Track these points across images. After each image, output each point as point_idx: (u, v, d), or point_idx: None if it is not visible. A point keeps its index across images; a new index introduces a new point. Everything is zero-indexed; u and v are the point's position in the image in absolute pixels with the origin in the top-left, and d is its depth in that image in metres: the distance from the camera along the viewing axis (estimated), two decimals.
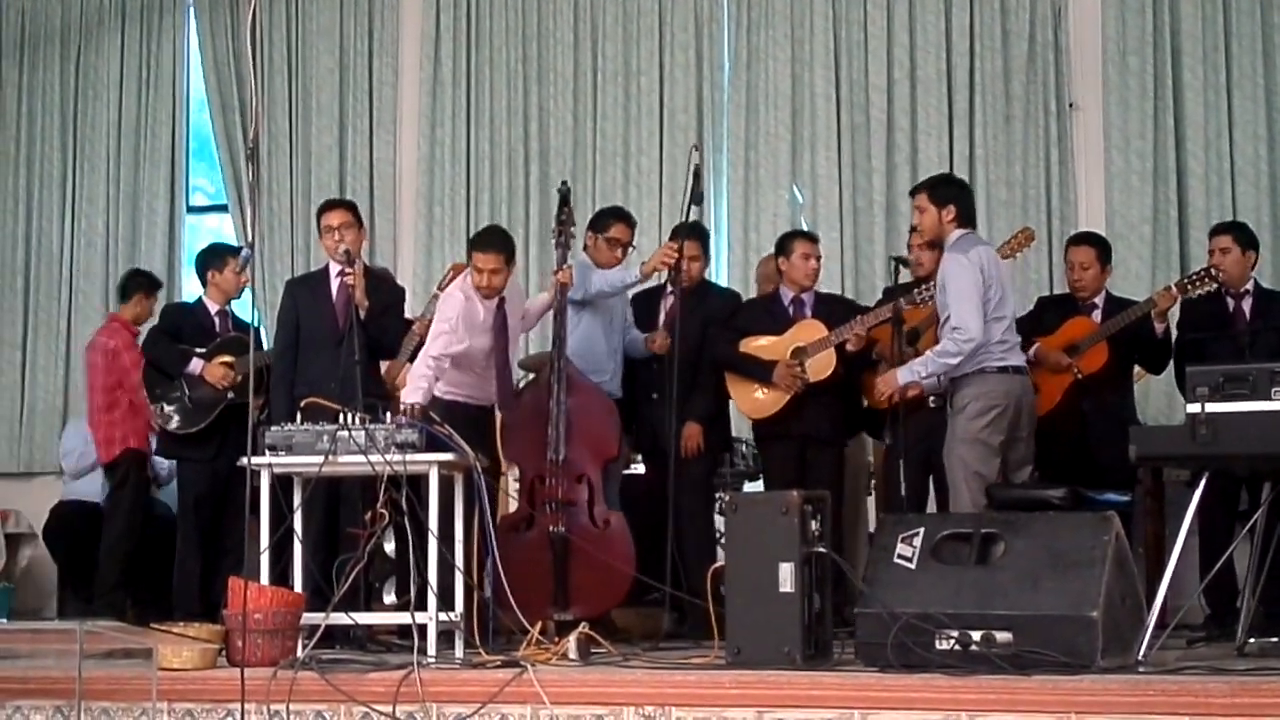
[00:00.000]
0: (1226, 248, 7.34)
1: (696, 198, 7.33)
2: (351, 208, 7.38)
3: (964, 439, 6.58)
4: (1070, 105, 9.10)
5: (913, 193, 7.07)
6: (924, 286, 7.16)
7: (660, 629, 6.87)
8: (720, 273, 9.17)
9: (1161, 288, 7.31)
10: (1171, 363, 7.49)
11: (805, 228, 8.82)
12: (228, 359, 7.75)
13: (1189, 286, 7.24)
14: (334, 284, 7.21)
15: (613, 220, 7.61)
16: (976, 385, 6.59)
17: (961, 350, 6.54)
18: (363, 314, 6.85)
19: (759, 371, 7.43)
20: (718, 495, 7.73)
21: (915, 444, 7.04)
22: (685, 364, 7.12)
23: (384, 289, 7.26)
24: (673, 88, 9.56)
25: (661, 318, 7.60)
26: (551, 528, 6.98)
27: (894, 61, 9.27)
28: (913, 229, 7.46)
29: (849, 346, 7.37)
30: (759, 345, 7.50)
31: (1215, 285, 7.25)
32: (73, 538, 8.86)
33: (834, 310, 7.58)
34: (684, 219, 7.35)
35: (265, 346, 7.95)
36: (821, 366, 7.36)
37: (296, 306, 7.26)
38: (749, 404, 7.54)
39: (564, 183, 7.62)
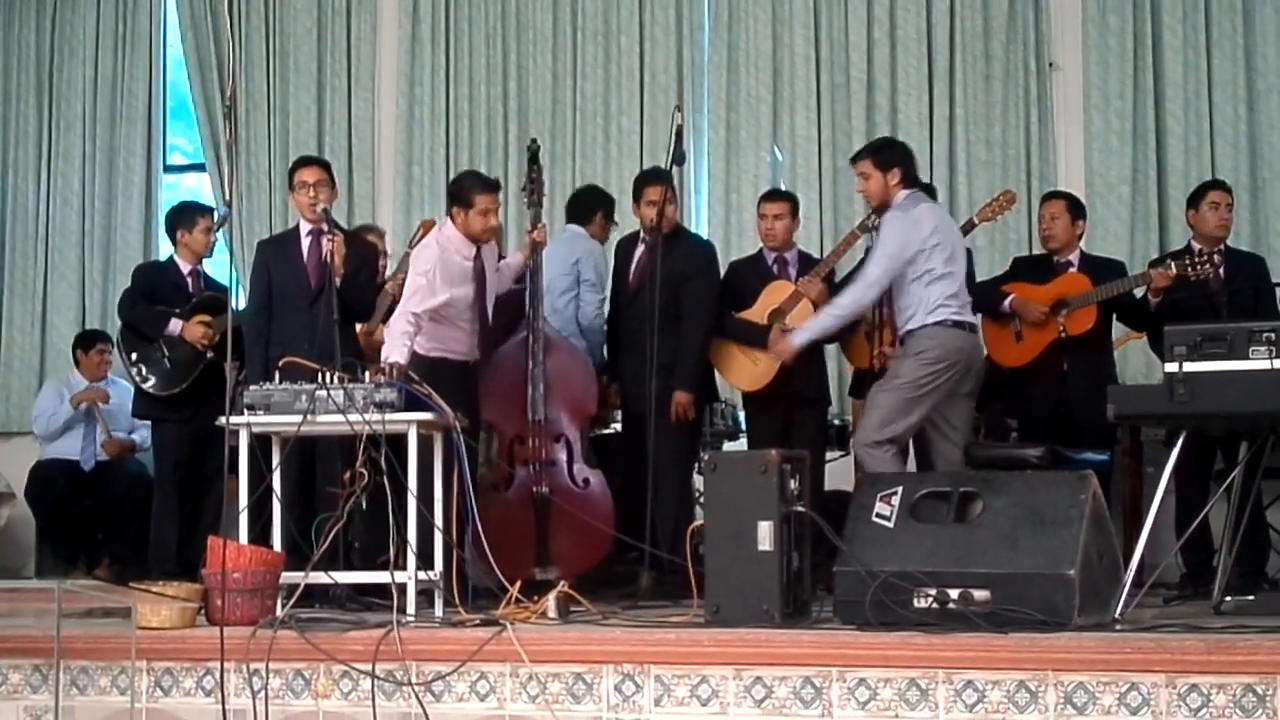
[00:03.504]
0: (1218, 202, 7.35)
1: (678, 158, 7.30)
2: (326, 166, 7.33)
3: (903, 382, 6.50)
4: (1050, 65, 9.09)
5: (854, 160, 6.95)
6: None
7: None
8: (700, 233, 9.13)
9: (1162, 266, 7.18)
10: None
11: (783, 188, 8.80)
12: (205, 318, 7.74)
13: (1189, 269, 7.09)
14: (305, 243, 7.16)
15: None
16: (935, 336, 6.52)
17: (858, 301, 6.62)
18: (338, 281, 6.80)
19: (757, 336, 7.41)
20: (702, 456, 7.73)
21: None
22: (662, 314, 7.06)
23: (356, 250, 7.20)
24: (653, 47, 9.52)
25: (633, 267, 7.58)
26: (535, 488, 6.98)
27: (874, 21, 9.24)
28: None
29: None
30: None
31: (1213, 270, 7.15)
32: (52, 496, 8.86)
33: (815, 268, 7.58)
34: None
35: (240, 306, 7.92)
36: (802, 320, 7.36)
37: (268, 266, 7.22)
38: (746, 379, 7.51)
39: (533, 140, 7.61)
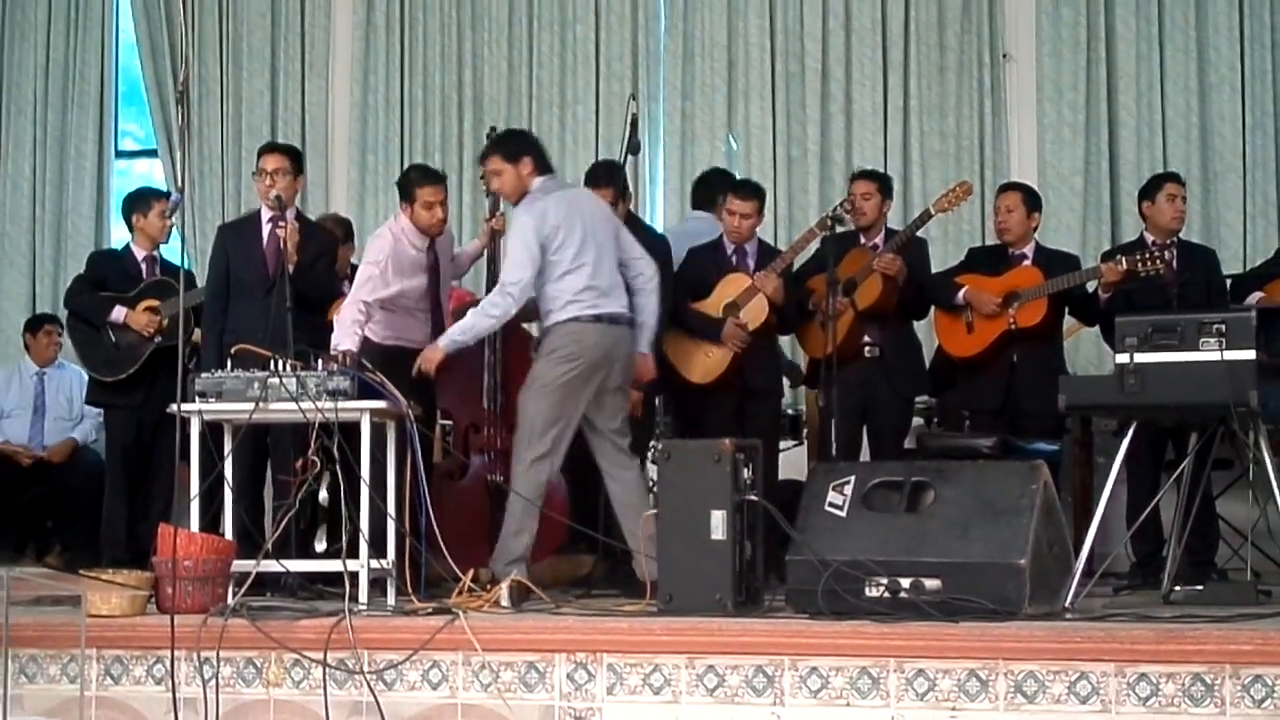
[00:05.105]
0: (1174, 194, 7.38)
1: (633, 147, 7.31)
2: (290, 153, 7.23)
3: (543, 384, 6.39)
4: (1004, 56, 9.12)
5: (483, 158, 6.86)
6: (844, 203, 7.36)
7: (580, 573, 6.89)
8: (656, 223, 9.12)
9: (1113, 261, 7.21)
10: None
11: (738, 176, 8.79)
12: (152, 304, 7.68)
13: (1140, 265, 7.11)
14: (265, 230, 7.13)
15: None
16: (568, 333, 6.41)
17: (503, 305, 6.43)
18: (291, 268, 6.76)
19: (711, 329, 7.38)
20: (651, 445, 7.72)
21: (849, 393, 7.08)
22: None
23: (316, 239, 7.17)
24: (609, 36, 9.51)
25: None
26: (489, 477, 6.97)
27: (829, 10, 9.26)
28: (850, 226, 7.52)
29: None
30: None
31: (1165, 265, 7.15)
32: None
33: (773, 260, 7.57)
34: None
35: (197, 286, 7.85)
36: (756, 313, 7.35)
37: (227, 252, 7.18)
38: (699, 370, 7.42)
39: (493, 128, 7.59)
